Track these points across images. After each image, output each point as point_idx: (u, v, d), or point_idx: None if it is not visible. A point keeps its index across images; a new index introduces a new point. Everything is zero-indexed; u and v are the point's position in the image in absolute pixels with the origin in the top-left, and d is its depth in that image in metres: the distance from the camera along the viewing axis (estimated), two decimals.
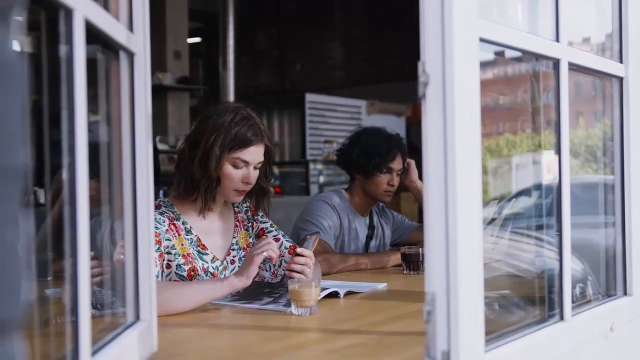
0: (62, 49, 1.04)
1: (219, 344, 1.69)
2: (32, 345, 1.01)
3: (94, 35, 1.13)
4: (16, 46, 0.64)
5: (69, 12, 1.01)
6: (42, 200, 2.20)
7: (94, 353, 1.09)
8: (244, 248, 2.41)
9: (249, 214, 2.47)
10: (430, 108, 1.21)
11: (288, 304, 1.96)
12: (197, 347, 1.65)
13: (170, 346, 1.56)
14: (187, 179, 2.25)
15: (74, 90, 1.02)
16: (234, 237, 2.40)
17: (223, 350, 1.63)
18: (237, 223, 2.43)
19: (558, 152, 1.56)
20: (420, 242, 3.04)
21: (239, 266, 2.35)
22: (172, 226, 2.21)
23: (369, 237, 3.19)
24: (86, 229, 1.04)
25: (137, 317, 1.39)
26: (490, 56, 1.49)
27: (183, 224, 2.26)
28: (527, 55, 1.64)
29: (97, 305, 1.38)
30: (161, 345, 1.46)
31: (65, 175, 1.03)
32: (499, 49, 1.45)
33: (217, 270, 2.29)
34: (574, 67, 1.61)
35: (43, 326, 1.23)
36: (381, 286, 2.40)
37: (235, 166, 2.24)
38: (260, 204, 2.41)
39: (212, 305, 2.01)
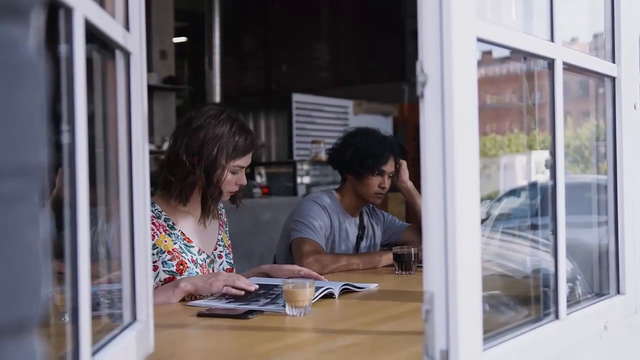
0: (61, 48, 1.03)
1: (215, 344, 1.69)
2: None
3: (90, 34, 1.12)
4: (36, 45, 0.63)
5: (68, 11, 1.01)
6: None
7: (93, 353, 1.08)
8: (227, 246, 2.51)
9: (225, 219, 2.57)
10: (428, 107, 1.21)
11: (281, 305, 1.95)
12: (194, 348, 1.64)
13: (166, 347, 1.55)
14: (188, 187, 2.28)
15: (74, 89, 1.01)
16: (219, 234, 2.49)
17: (219, 350, 1.63)
18: (221, 222, 2.52)
19: (553, 152, 1.57)
20: (410, 242, 3.05)
21: (226, 261, 2.46)
22: (152, 225, 2.23)
23: (360, 238, 3.19)
24: (86, 229, 1.03)
25: (134, 318, 1.38)
26: (477, 55, 1.50)
27: (165, 221, 2.31)
28: (516, 55, 1.65)
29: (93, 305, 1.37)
30: (158, 346, 1.46)
31: (64, 175, 1.02)
32: (487, 48, 1.45)
33: (205, 263, 2.34)
34: (568, 67, 1.62)
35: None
36: (374, 286, 2.40)
37: (233, 172, 2.34)
38: (237, 196, 2.46)
39: (206, 308, 2.00)
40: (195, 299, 2.13)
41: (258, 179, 7.70)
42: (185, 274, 2.26)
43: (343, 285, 2.26)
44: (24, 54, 0.61)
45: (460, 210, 1.19)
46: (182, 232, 2.34)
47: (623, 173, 1.86)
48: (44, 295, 0.62)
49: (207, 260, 2.37)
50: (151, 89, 7.64)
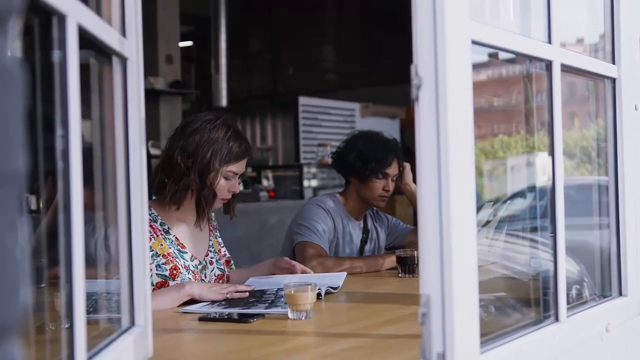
0: (55, 54, 1.04)
1: (214, 349, 1.69)
2: (28, 351, 1.00)
3: (86, 40, 1.13)
4: (14, 52, 0.64)
5: (62, 18, 1.01)
6: (33, 207, 2.20)
7: (89, 358, 1.09)
8: (217, 251, 2.52)
9: (215, 223, 2.59)
10: (423, 110, 1.21)
11: (286, 306, 1.95)
12: (193, 353, 1.65)
13: (165, 352, 1.55)
14: (182, 190, 2.31)
15: (68, 95, 1.02)
16: (210, 240, 2.51)
17: (219, 355, 1.63)
18: (211, 228, 2.55)
19: (551, 153, 1.57)
20: (414, 245, 3.04)
21: (217, 267, 2.48)
22: (149, 227, 2.25)
23: (364, 241, 3.19)
24: (80, 235, 1.03)
25: (132, 323, 1.39)
26: (484, 58, 1.50)
27: (161, 225, 2.33)
28: (521, 57, 1.64)
29: (90, 310, 1.38)
30: (156, 350, 1.46)
31: (59, 181, 1.03)
32: (493, 50, 1.45)
33: (197, 269, 2.36)
34: (566, 69, 1.62)
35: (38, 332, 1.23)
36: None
37: (226, 178, 2.36)
38: (231, 205, 2.48)
39: (203, 313, 2.00)
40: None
41: (265, 183, 7.71)
42: (178, 279, 2.28)
43: (327, 287, 2.30)
44: (2, 62, 0.61)
45: (455, 212, 1.19)
46: (176, 237, 2.37)
47: (624, 175, 1.85)
48: (23, 301, 0.63)
49: (199, 267, 2.40)
50: (157, 94, 7.65)
